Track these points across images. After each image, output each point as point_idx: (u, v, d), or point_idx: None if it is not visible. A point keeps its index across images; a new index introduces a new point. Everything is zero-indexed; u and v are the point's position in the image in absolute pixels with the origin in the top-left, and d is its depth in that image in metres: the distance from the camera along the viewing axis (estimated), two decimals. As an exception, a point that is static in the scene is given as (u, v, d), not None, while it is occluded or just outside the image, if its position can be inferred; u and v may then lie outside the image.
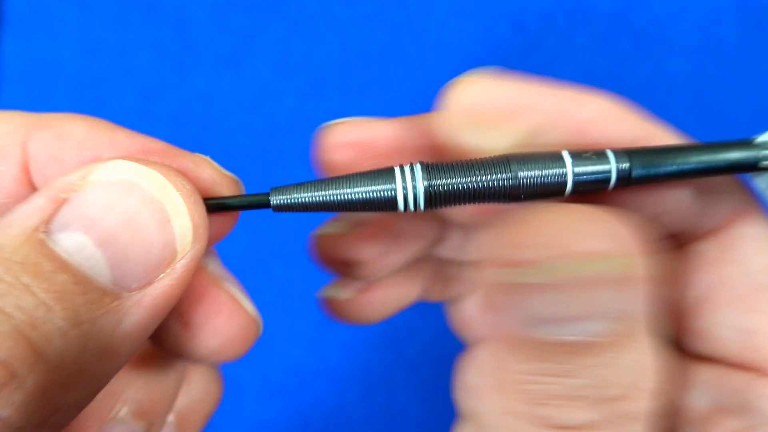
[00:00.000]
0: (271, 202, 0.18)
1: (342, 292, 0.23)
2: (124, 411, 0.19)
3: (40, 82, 0.48)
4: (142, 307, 0.14)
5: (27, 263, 0.13)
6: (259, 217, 0.48)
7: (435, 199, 0.16)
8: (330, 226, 0.23)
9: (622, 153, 0.17)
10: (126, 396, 0.19)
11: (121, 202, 0.15)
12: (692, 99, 0.49)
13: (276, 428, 0.47)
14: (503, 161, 0.16)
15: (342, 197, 0.17)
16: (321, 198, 0.17)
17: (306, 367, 0.47)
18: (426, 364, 0.47)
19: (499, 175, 0.16)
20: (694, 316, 0.19)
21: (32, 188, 0.17)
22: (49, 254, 0.14)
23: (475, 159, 0.17)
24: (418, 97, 0.49)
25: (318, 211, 0.18)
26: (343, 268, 0.23)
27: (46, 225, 0.14)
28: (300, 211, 0.18)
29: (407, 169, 0.17)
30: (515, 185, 0.16)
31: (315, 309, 0.48)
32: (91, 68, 0.48)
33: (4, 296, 0.13)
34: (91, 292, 0.14)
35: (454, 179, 0.16)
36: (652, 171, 0.17)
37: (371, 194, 0.17)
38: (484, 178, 0.16)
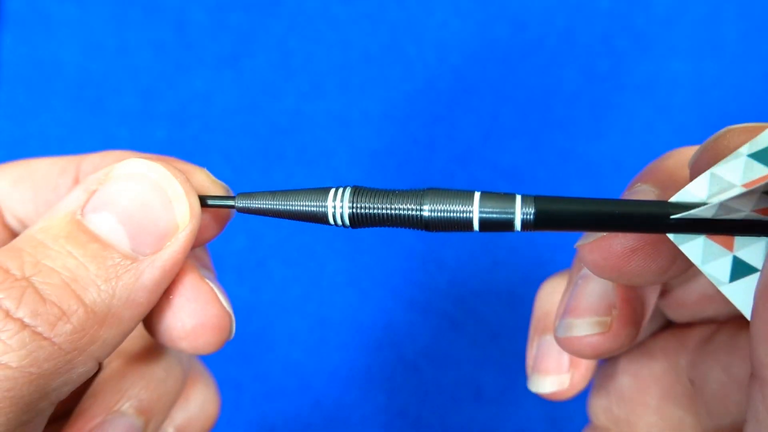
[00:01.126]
0: (236, 204, 0.22)
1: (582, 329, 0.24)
2: (127, 405, 0.23)
3: (40, 82, 0.48)
4: (154, 267, 0.19)
5: (69, 237, 0.19)
6: (260, 217, 0.48)
7: (358, 219, 0.20)
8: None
9: (528, 199, 0.19)
10: (130, 393, 0.24)
11: (134, 189, 0.20)
12: (692, 99, 0.49)
13: (276, 428, 0.47)
14: (418, 196, 0.19)
15: (288, 208, 0.21)
16: (273, 206, 0.21)
17: (306, 367, 0.47)
18: (426, 364, 0.47)
19: (410, 206, 0.19)
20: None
21: (6, 228, 0.23)
22: (84, 230, 0.19)
23: (399, 190, 0.20)
24: (418, 97, 0.49)
25: (273, 216, 0.22)
26: None
27: (82, 209, 0.19)
28: (258, 214, 0.22)
29: (339, 191, 0.20)
30: (422, 217, 0.19)
31: (315, 309, 0.48)
32: (91, 68, 0.48)
33: (54, 259, 0.18)
34: (115, 256, 0.19)
35: (374, 205, 0.20)
36: (555, 218, 0.19)
37: (310, 209, 0.21)
38: (397, 206, 0.20)
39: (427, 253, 0.48)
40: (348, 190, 0.20)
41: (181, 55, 0.48)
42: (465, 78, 0.49)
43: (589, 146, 0.49)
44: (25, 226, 0.23)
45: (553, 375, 0.25)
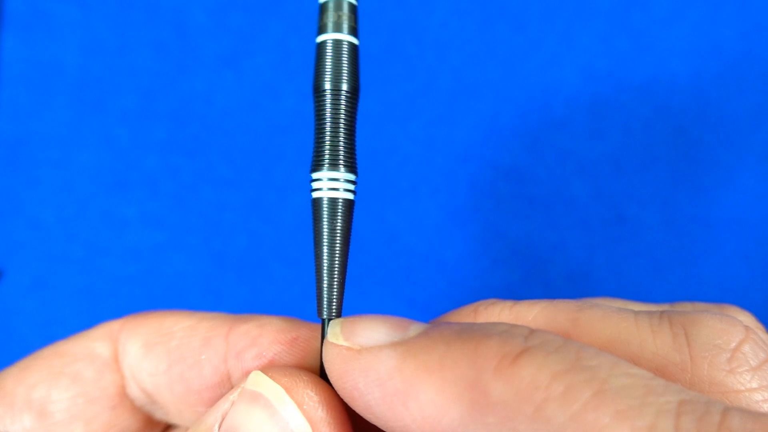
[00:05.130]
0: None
1: None
2: None
3: (40, 82, 0.48)
4: None
5: None
6: (259, 216, 0.48)
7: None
8: None
9: None
10: None
11: (250, 413, 0.17)
12: (692, 99, 0.49)
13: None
14: None
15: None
16: None
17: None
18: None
19: None
20: None
21: (227, 378, 0.19)
22: None
23: None
24: (417, 97, 0.49)
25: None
26: None
27: (218, 429, 0.17)
28: None
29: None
30: None
31: (315, 308, 0.48)
32: (91, 68, 0.48)
33: None
34: None
35: None
36: None
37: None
38: None
39: (427, 253, 0.48)
40: None
41: (181, 55, 0.48)
42: (465, 78, 0.49)
43: (589, 146, 0.49)
44: (152, 402, 0.20)
45: None
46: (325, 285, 0.18)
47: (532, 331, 0.14)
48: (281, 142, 0.48)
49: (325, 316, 0.18)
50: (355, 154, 0.18)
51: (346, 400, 0.16)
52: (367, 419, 0.16)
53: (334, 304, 0.18)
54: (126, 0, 0.48)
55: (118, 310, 0.51)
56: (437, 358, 0.14)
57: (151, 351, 0.19)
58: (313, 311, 0.51)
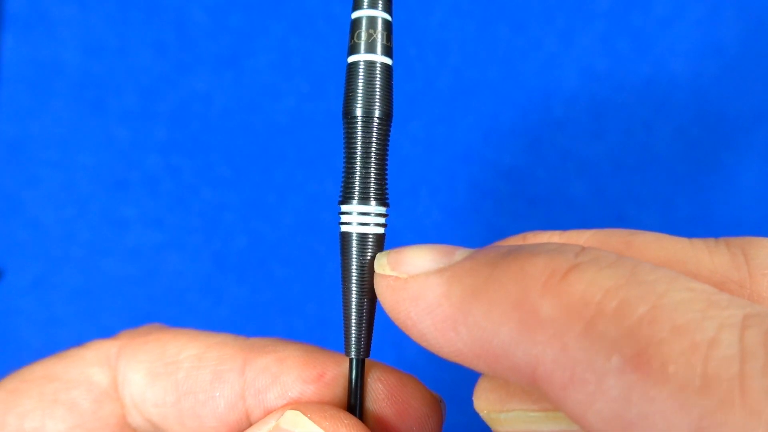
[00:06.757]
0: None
1: None
2: None
3: (40, 82, 0.48)
4: None
5: None
6: (259, 216, 0.48)
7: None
8: None
9: None
10: None
11: None
12: (692, 99, 0.49)
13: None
14: None
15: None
16: None
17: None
18: (425, 364, 0.47)
19: None
20: None
21: (245, 416, 0.18)
22: None
23: None
24: (417, 97, 0.49)
25: None
26: None
27: None
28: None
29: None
30: None
31: (315, 309, 0.48)
32: (91, 68, 0.48)
33: None
34: None
35: None
36: None
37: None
38: None
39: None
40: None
41: (181, 55, 0.48)
42: (465, 78, 0.49)
43: (589, 146, 0.49)
44: (156, 430, 0.19)
45: None
46: (353, 322, 0.17)
47: (583, 248, 0.13)
48: (281, 142, 0.48)
49: (353, 356, 0.17)
50: (386, 184, 0.17)
51: (403, 329, 0.15)
52: (425, 347, 0.15)
53: (363, 342, 0.17)
54: (126, 0, 0.48)
55: (118, 311, 0.51)
56: (483, 280, 0.14)
57: (156, 381, 0.18)
58: (315, 313, 0.51)
